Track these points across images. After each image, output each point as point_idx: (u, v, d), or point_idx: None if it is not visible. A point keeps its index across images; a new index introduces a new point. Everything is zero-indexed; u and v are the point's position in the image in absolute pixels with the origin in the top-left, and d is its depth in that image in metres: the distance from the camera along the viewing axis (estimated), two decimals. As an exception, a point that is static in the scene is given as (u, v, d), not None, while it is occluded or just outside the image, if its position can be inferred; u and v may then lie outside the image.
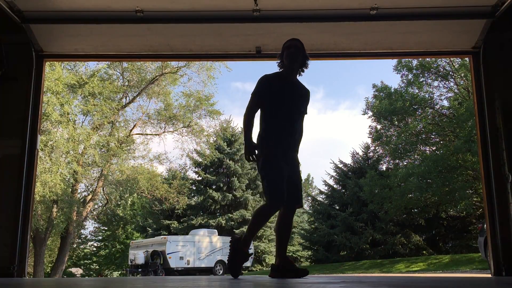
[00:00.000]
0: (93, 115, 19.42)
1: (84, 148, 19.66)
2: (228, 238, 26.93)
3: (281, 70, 3.76)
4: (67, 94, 18.51)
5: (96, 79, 19.29)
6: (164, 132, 22.61)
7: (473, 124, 16.00)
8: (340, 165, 30.65)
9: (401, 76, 21.68)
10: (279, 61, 3.76)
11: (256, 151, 3.60)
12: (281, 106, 3.64)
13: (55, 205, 20.08)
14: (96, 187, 22.36)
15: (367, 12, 4.48)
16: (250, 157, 3.58)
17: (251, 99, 3.69)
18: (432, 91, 21.65)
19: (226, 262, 3.67)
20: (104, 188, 23.48)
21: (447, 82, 21.83)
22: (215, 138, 27.46)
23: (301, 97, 3.77)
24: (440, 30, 4.75)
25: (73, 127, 18.81)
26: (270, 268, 3.71)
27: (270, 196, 3.51)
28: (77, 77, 19.00)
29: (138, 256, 22.51)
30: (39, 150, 4.98)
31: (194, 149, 27.02)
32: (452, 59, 19.92)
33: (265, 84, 3.68)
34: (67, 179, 19.56)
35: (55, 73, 17.42)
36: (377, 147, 27.30)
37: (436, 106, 21.74)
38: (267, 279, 3.51)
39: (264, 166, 3.55)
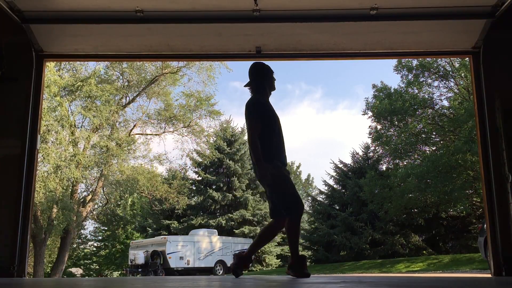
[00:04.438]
0: (92, 118, 19.34)
1: (83, 149, 19.62)
2: (228, 238, 26.75)
3: (257, 94, 4.02)
4: (61, 98, 18.38)
5: (93, 81, 19.13)
6: (164, 132, 22.61)
7: (473, 124, 15.99)
8: (340, 165, 30.65)
9: (401, 76, 21.71)
10: (255, 86, 4.03)
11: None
12: (274, 126, 3.94)
13: (55, 206, 20.05)
14: (96, 187, 22.36)
15: (367, 12, 4.48)
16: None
17: (252, 124, 3.84)
18: (432, 91, 21.69)
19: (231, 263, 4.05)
20: (104, 188, 23.46)
21: (447, 82, 21.84)
22: (215, 138, 27.44)
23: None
24: (440, 30, 4.74)
25: (69, 130, 18.72)
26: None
27: (294, 205, 3.80)
28: (73, 79, 18.87)
29: (138, 256, 22.50)
30: (39, 150, 4.98)
31: (194, 149, 27.04)
32: (452, 59, 19.92)
33: (260, 108, 3.95)
34: (66, 181, 19.52)
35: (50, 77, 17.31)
36: (377, 147, 27.28)
37: (436, 106, 21.74)
38: (266, 279, 3.51)
39: (279, 183, 3.81)
